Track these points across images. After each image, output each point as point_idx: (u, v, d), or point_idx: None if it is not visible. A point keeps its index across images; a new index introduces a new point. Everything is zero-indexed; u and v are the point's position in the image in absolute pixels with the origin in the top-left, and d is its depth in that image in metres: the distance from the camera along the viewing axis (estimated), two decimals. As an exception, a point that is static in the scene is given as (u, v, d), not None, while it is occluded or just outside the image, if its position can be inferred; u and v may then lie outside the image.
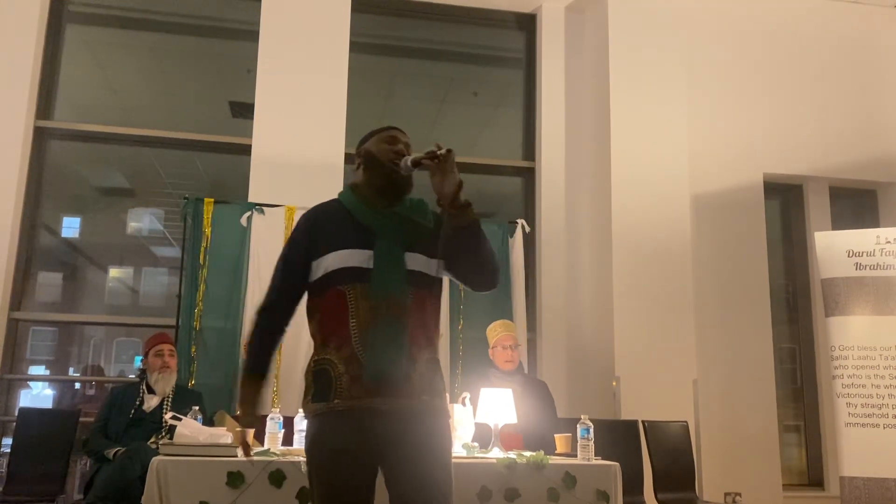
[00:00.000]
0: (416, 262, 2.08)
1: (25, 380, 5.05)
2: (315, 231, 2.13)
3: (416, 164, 2.07)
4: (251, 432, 2.17)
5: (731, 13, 5.69)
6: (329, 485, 1.97)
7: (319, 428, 2.03)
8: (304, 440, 2.11)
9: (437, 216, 2.17)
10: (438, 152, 2.02)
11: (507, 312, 4.71)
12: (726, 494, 4.71)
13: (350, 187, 2.22)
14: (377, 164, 2.14)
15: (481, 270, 2.13)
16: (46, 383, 5.34)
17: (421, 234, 2.11)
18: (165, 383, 3.90)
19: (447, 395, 2.19)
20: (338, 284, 2.04)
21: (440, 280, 2.15)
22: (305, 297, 2.16)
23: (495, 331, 3.98)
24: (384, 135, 2.19)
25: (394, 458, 1.99)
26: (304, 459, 2.89)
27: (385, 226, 2.09)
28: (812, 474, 5.46)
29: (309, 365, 2.10)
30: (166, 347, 3.97)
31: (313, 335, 2.12)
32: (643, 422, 4.42)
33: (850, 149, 5.68)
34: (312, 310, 2.12)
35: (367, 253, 2.04)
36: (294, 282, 2.13)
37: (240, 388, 2.14)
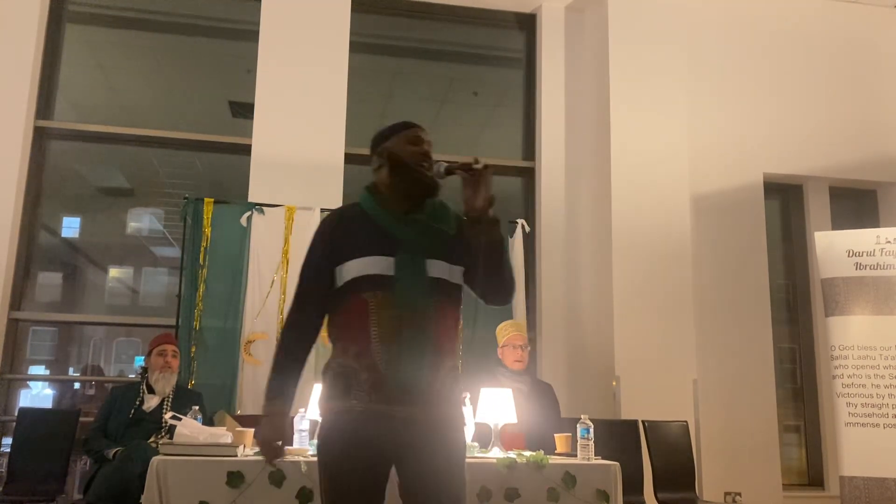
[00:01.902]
0: (438, 269, 2.04)
1: (25, 380, 5.05)
2: (336, 237, 2.07)
3: (450, 172, 2.02)
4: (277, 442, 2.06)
5: (731, 13, 5.69)
6: (339, 480, 1.95)
7: (334, 423, 1.99)
8: (316, 438, 2.07)
9: (458, 220, 2.12)
10: (475, 165, 1.97)
11: (507, 312, 4.71)
12: (726, 494, 4.71)
13: (369, 190, 2.15)
14: (405, 168, 2.07)
15: (499, 288, 2.10)
16: (46, 383, 5.34)
17: (443, 240, 2.07)
18: (166, 383, 3.90)
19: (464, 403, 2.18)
20: (360, 292, 1.99)
21: (461, 287, 2.11)
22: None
23: (506, 330, 3.96)
24: (408, 134, 2.11)
25: (409, 466, 1.97)
26: (304, 459, 2.90)
27: (408, 233, 2.04)
28: (812, 474, 5.46)
29: (328, 365, 2.06)
30: (170, 348, 3.97)
31: (333, 340, 2.08)
32: (643, 422, 4.42)
33: (850, 149, 5.68)
34: (333, 316, 2.08)
35: (390, 260, 2.00)
36: (319, 288, 2.07)
37: (263, 413, 2.04)
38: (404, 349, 1.95)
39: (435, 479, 1.96)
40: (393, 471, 2.01)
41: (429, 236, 2.06)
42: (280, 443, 2.02)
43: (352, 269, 2.01)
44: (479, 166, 1.98)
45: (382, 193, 2.11)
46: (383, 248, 2.02)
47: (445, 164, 2.04)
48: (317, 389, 3.51)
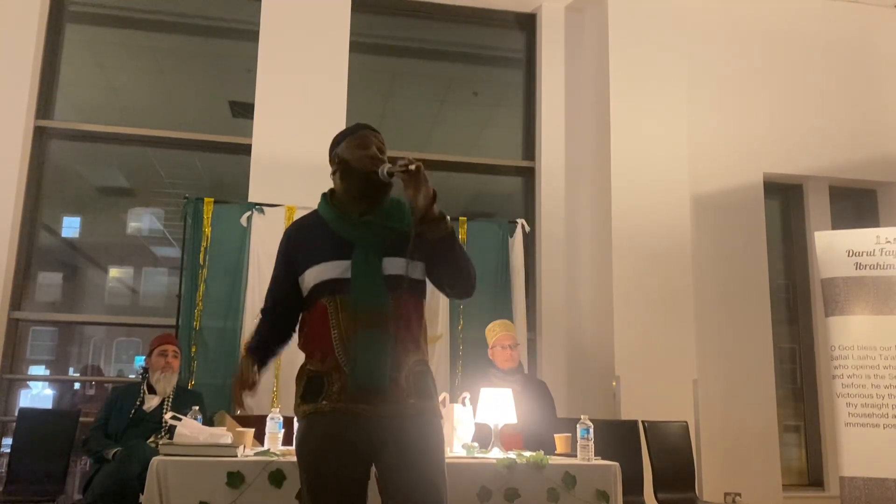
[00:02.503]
0: (395, 266, 2.07)
1: (25, 380, 5.05)
2: (293, 249, 2.16)
3: (392, 174, 2.06)
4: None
5: (731, 13, 5.69)
6: (318, 482, 1.99)
7: (307, 426, 2.06)
8: (294, 443, 2.13)
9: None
10: (409, 167, 2.00)
11: (507, 312, 4.72)
12: (726, 494, 4.71)
13: (325, 197, 2.22)
14: (353, 172, 2.12)
15: (457, 281, 2.13)
16: (46, 383, 5.34)
17: (399, 237, 2.10)
18: (167, 383, 3.90)
19: (442, 395, 2.20)
20: (320, 297, 2.07)
21: (422, 281, 2.15)
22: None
23: (494, 331, 3.99)
24: (356, 138, 2.16)
25: (385, 462, 1.99)
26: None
27: (361, 235, 2.09)
28: (812, 474, 5.46)
29: (299, 372, 2.15)
30: (171, 348, 3.97)
31: (302, 347, 2.17)
32: (643, 422, 4.42)
33: (850, 149, 5.68)
34: (301, 323, 2.19)
35: (346, 264, 2.06)
36: (284, 298, 2.20)
37: (239, 365, 2.22)
38: (364, 349, 2.00)
39: (410, 473, 1.97)
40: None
41: (382, 235, 2.10)
42: (252, 383, 2.21)
43: (312, 276, 2.09)
44: (412, 167, 2.00)
45: (337, 198, 2.18)
46: (338, 252, 2.07)
47: (388, 166, 2.07)
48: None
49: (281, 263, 2.20)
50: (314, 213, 2.21)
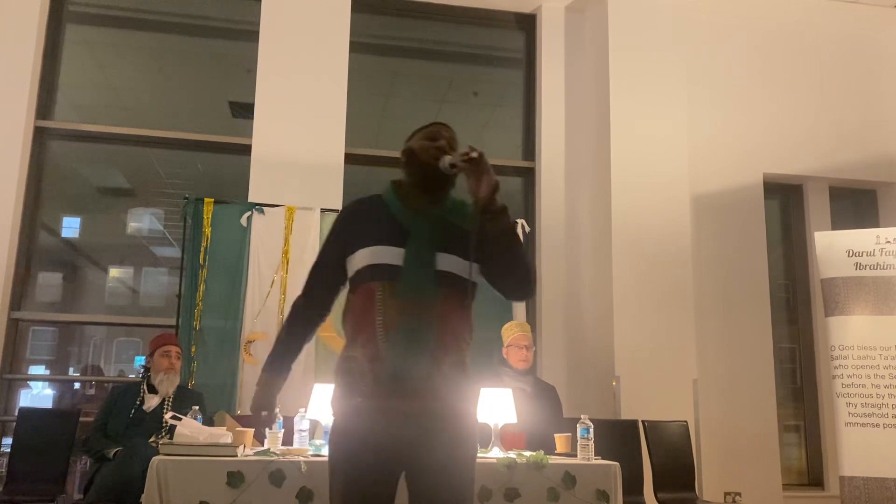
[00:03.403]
0: (448, 263, 2.04)
1: (25, 380, 5.05)
2: (351, 226, 2.12)
3: (454, 165, 2.03)
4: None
5: (731, 13, 5.69)
6: (349, 481, 1.95)
7: (343, 424, 2.00)
8: (329, 439, 2.07)
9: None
10: (471, 154, 1.98)
11: (507, 312, 4.71)
12: (726, 494, 4.71)
13: (393, 184, 2.19)
14: (416, 162, 2.10)
15: (515, 277, 2.08)
16: (46, 383, 5.34)
17: (457, 235, 2.07)
18: (170, 384, 3.89)
19: (477, 399, 2.16)
20: (369, 281, 2.02)
21: (474, 283, 2.11)
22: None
23: (511, 330, 3.99)
24: (427, 130, 2.15)
25: (416, 460, 1.96)
26: (304, 459, 2.90)
27: (419, 225, 2.06)
28: (812, 474, 5.46)
29: (338, 361, 2.10)
30: (174, 349, 3.96)
31: (344, 331, 2.12)
32: (643, 422, 4.42)
33: (850, 149, 5.68)
34: (346, 305, 2.11)
35: (399, 251, 2.02)
36: (328, 276, 2.16)
37: (258, 384, 2.20)
38: (405, 338, 1.96)
39: (438, 476, 1.95)
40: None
41: (441, 230, 2.06)
42: (266, 413, 2.18)
43: (362, 257, 2.04)
44: (473, 154, 1.98)
45: (403, 189, 2.15)
46: (394, 238, 2.03)
47: (449, 157, 2.05)
48: (317, 390, 3.52)
49: (332, 240, 2.15)
50: (376, 196, 2.17)
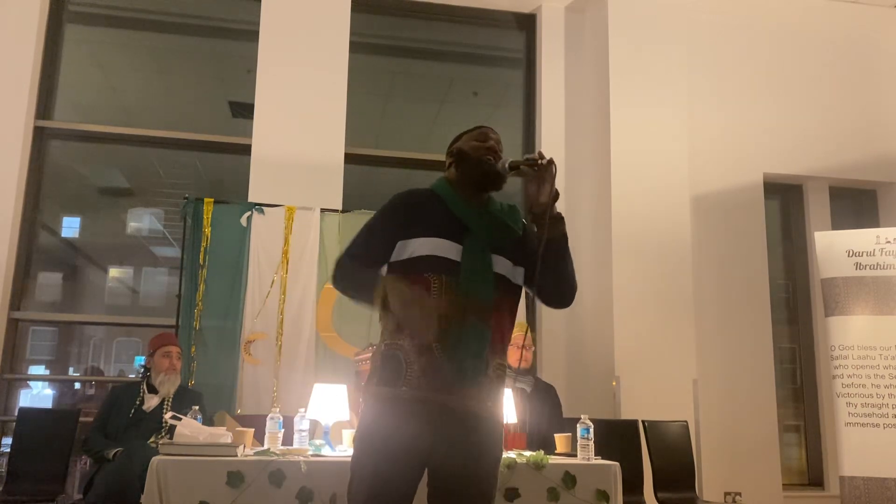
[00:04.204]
0: (501, 265, 2.05)
1: (25, 380, 5.05)
2: (410, 210, 2.07)
3: (514, 167, 2.04)
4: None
5: (731, 13, 5.69)
6: (377, 472, 1.92)
7: (380, 413, 1.96)
8: (358, 424, 2.02)
9: (525, 225, 2.15)
10: (540, 161, 1.98)
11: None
12: (726, 494, 4.71)
13: (444, 180, 2.17)
14: (470, 160, 2.10)
15: (561, 287, 2.09)
16: (46, 383, 5.34)
17: (510, 238, 2.09)
18: (171, 385, 3.88)
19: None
20: (424, 271, 1.98)
21: (521, 288, 2.11)
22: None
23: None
24: (474, 132, 2.16)
25: (444, 456, 1.95)
26: (304, 459, 2.89)
27: (478, 223, 2.05)
28: (812, 474, 5.46)
29: (378, 347, 2.05)
30: (174, 350, 3.96)
31: (385, 318, 2.04)
32: (643, 422, 4.42)
33: (850, 149, 5.68)
34: (391, 291, 1.97)
35: (457, 246, 2.00)
36: (372, 252, 2.06)
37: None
38: (461, 336, 1.94)
39: (467, 473, 1.95)
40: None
41: (497, 231, 2.08)
42: None
43: (419, 246, 2.00)
44: (543, 161, 1.98)
45: (455, 185, 2.13)
46: (453, 232, 2.02)
47: (510, 160, 2.06)
48: (317, 389, 3.52)
49: (380, 222, 2.07)
50: (428, 190, 2.15)
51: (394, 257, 2.05)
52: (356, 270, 2.04)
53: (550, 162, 1.99)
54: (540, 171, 1.99)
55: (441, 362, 1.93)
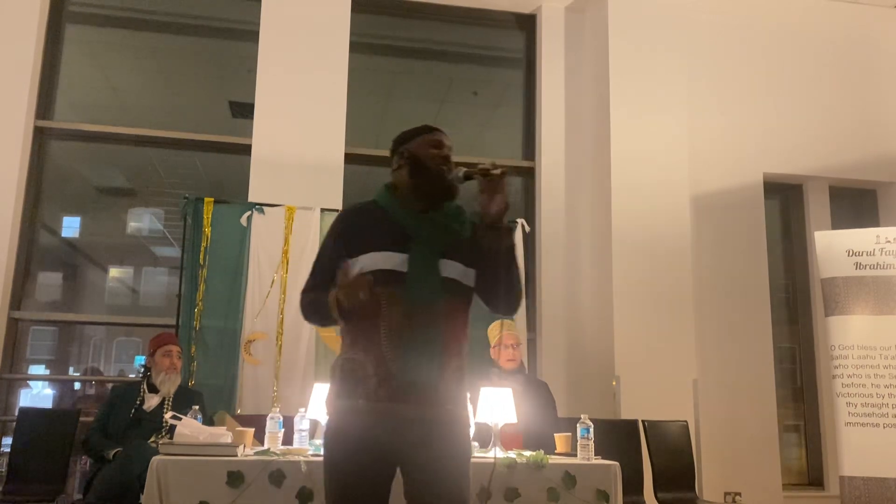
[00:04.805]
0: (451, 269, 2.05)
1: (25, 380, 5.05)
2: (348, 232, 2.09)
3: (469, 177, 2.04)
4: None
5: (731, 13, 5.69)
6: (344, 482, 1.96)
7: (341, 424, 2.00)
8: (323, 436, 2.07)
9: (473, 225, 2.13)
10: (492, 171, 1.99)
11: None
12: (726, 494, 4.71)
13: (387, 187, 2.16)
14: (425, 169, 2.08)
15: (506, 294, 2.10)
16: (46, 383, 5.34)
17: (458, 241, 2.08)
18: (171, 384, 3.88)
19: (469, 404, 2.17)
20: (373, 286, 1.97)
21: (472, 289, 2.12)
22: None
23: (496, 330, 3.99)
24: (429, 138, 2.13)
25: (413, 465, 1.98)
26: (304, 459, 2.90)
27: (422, 230, 2.06)
28: (812, 474, 5.46)
29: (336, 361, 2.08)
30: (175, 349, 3.96)
31: (342, 334, 2.09)
32: (643, 421, 4.42)
33: (850, 149, 5.68)
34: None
35: (402, 256, 2.01)
36: (326, 277, 2.08)
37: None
38: (412, 346, 1.96)
39: (439, 479, 1.96)
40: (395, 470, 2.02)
41: (443, 236, 2.07)
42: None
43: (364, 262, 2.02)
44: (496, 172, 1.99)
45: (401, 192, 2.12)
46: (397, 243, 2.03)
47: (464, 169, 2.05)
48: (317, 389, 3.52)
49: (330, 243, 2.12)
50: (370, 202, 2.15)
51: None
52: (318, 298, 2.07)
53: (504, 173, 2.00)
54: (492, 182, 1.99)
55: (394, 372, 1.95)
